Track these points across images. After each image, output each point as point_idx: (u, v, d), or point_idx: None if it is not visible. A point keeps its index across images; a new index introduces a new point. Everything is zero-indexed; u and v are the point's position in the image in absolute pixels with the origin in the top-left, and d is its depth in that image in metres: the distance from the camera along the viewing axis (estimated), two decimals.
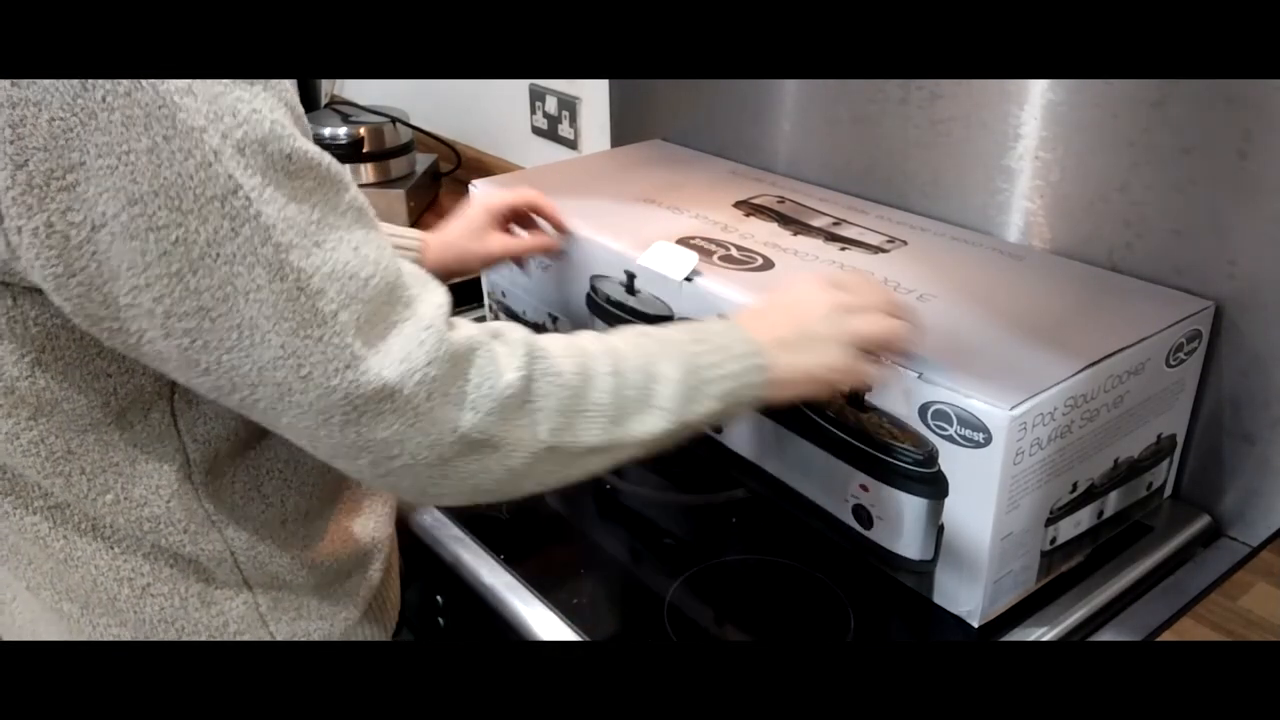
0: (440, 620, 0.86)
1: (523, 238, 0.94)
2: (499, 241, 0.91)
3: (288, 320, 0.47)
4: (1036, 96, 0.86)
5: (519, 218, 0.94)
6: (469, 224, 0.90)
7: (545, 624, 0.74)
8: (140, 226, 0.44)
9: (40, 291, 0.49)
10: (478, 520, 0.85)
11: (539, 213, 0.94)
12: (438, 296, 0.54)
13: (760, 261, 0.85)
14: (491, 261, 0.92)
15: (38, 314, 0.50)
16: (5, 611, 0.65)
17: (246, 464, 0.61)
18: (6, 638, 0.66)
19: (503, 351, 0.54)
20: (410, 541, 0.84)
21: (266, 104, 0.46)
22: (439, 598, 0.85)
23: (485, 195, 0.98)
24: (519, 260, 0.99)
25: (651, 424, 0.59)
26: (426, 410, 0.50)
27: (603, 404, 0.57)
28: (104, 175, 0.43)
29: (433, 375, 0.50)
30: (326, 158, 0.49)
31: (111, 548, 0.58)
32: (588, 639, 0.72)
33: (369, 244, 0.50)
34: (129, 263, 0.45)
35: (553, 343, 0.58)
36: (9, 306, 0.49)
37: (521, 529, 0.85)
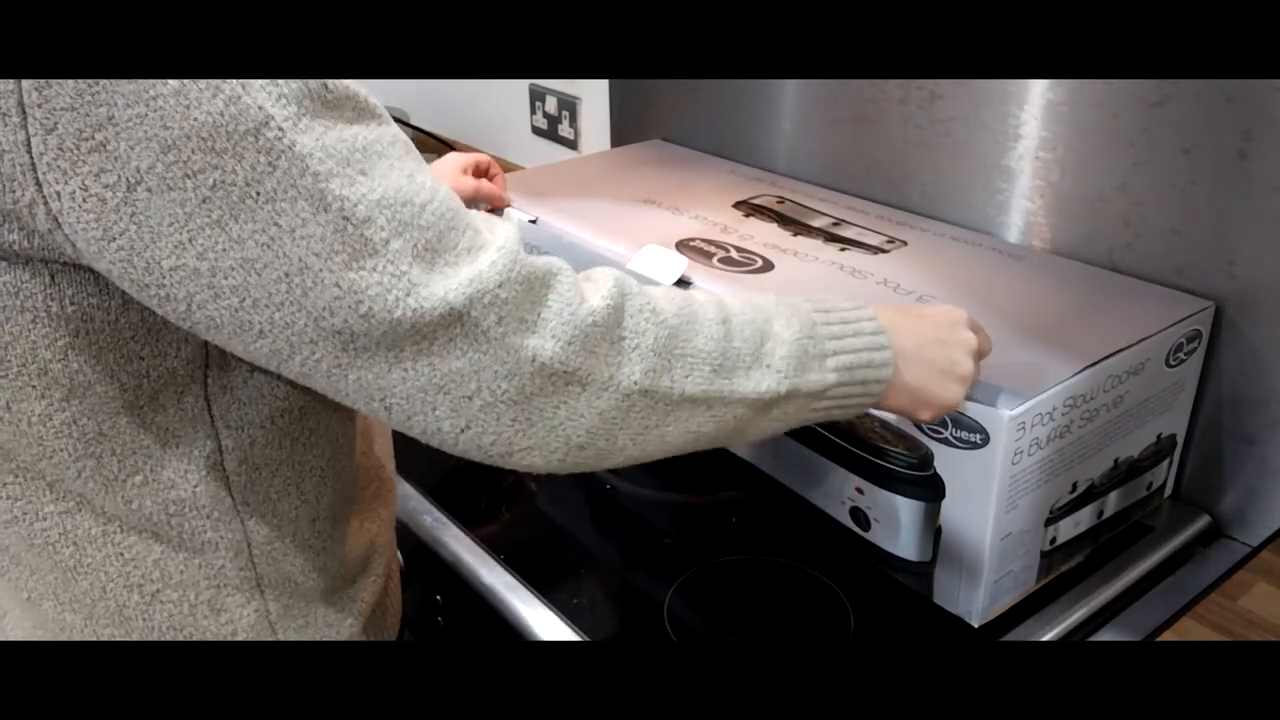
0: (440, 620, 0.86)
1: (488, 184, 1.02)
2: (472, 182, 0.99)
3: (339, 254, 0.45)
4: (1036, 96, 0.86)
5: (480, 174, 1.03)
6: (443, 163, 1.00)
7: (545, 624, 0.74)
8: (176, 175, 0.43)
9: (78, 270, 0.48)
10: (478, 520, 0.85)
11: (491, 177, 1.03)
12: (508, 228, 0.51)
13: (760, 263, 0.85)
14: (464, 194, 0.98)
15: (74, 293, 0.49)
16: None
17: (292, 459, 0.60)
18: None
19: (588, 285, 0.52)
20: (410, 541, 0.84)
21: (281, 76, 0.45)
22: (439, 598, 0.85)
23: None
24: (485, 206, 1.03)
25: (761, 382, 0.55)
26: (499, 336, 0.48)
27: (707, 350, 0.54)
28: (133, 126, 0.42)
29: (504, 298, 0.48)
30: (364, 90, 0.48)
31: (122, 552, 0.58)
32: (588, 639, 0.72)
33: (422, 173, 0.48)
34: (169, 218, 0.43)
35: (653, 289, 0.55)
36: (45, 285, 0.48)
37: (521, 529, 0.85)
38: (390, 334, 0.46)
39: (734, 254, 0.87)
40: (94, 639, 0.60)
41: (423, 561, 0.83)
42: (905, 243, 0.90)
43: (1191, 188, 0.78)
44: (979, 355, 0.63)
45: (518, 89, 1.50)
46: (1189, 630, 0.67)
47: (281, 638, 0.63)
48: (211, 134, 0.43)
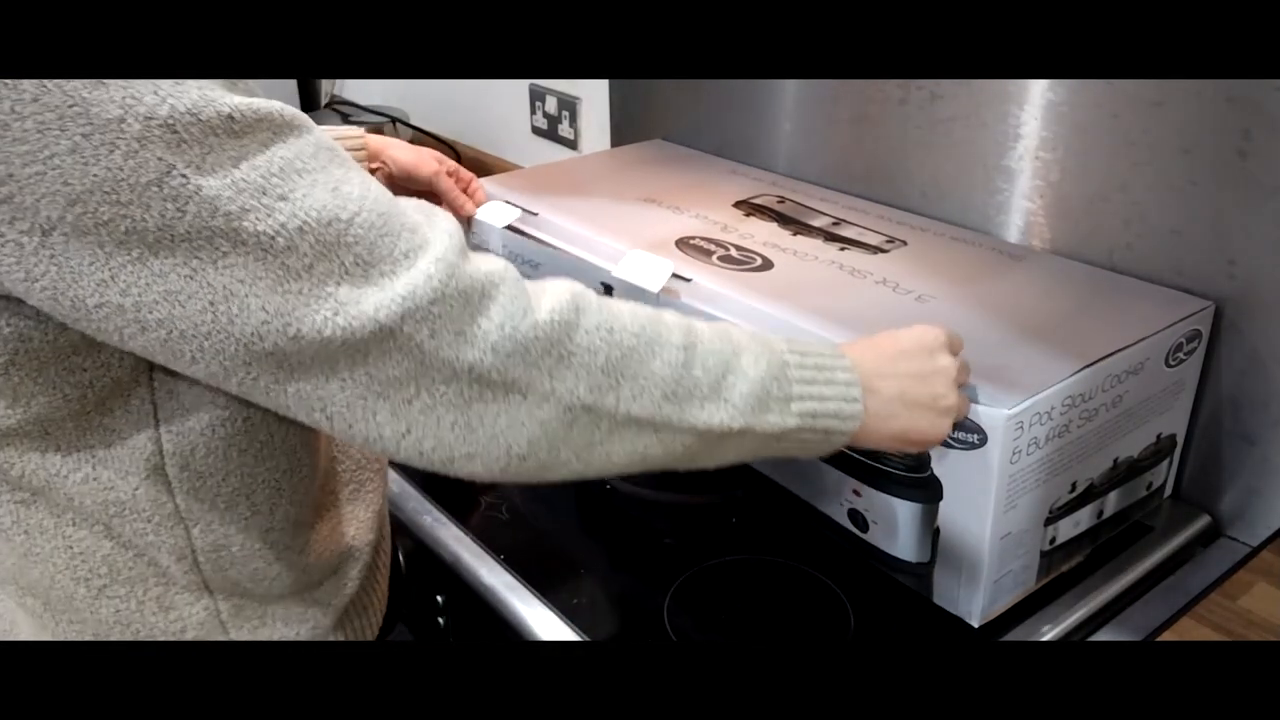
0: (440, 620, 0.86)
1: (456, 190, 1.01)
2: (445, 180, 0.99)
3: (262, 279, 0.45)
4: (1036, 96, 0.86)
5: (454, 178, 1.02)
6: (419, 154, 0.99)
7: (545, 624, 0.74)
8: (88, 223, 0.43)
9: (10, 299, 0.48)
10: (478, 520, 0.85)
11: (463, 186, 1.03)
12: (446, 224, 0.51)
13: (759, 262, 0.85)
14: (429, 189, 0.98)
15: (9, 318, 0.49)
16: None
17: (240, 469, 0.59)
18: None
19: (540, 294, 0.52)
20: (410, 541, 0.84)
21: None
22: (439, 598, 0.85)
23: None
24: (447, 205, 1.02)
25: (715, 415, 0.54)
26: (433, 349, 0.47)
27: (661, 376, 0.53)
28: (35, 182, 0.42)
29: (437, 313, 0.47)
30: (277, 105, 0.47)
31: (71, 545, 0.58)
32: (588, 639, 0.72)
33: (350, 181, 0.48)
34: (89, 258, 0.43)
35: (620, 304, 0.55)
36: None
37: (521, 529, 0.85)
38: (323, 351, 0.46)
39: (733, 252, 0.87)
40: (54, 624, 0.60)
41: (423, 561, 0.83)
42: (905, 242, 0.90)
43: (1191, 188, 0.78)
44: (960, 379, 0.63)
45: (518, 89, 1.50)
46: (1189, 630, 0.67)
47: (234, 636, 0.63)
48: (114, 188, 0.42)
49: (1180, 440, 0.82)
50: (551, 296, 0.52)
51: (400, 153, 0.98)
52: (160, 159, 0.43)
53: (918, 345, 0.62)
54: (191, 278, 0.44)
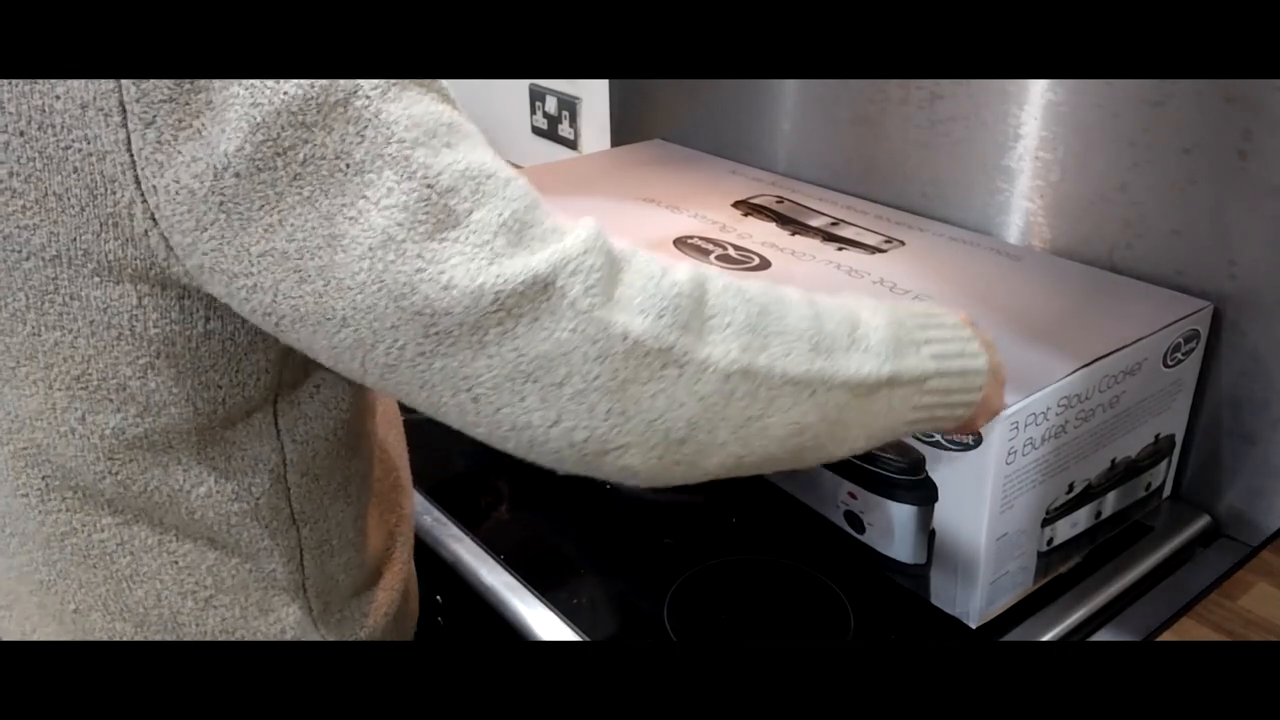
0: (440, 620, 0.86)
1: None
2: None
3: (423, 223, 0.44)
4: (1036, 96, 0.86)
5: None
6: None
7: (545, 624, 0.74)
8: (267, 154, 0.43)
9: (164, 295, 0.48)
10: (478, 520, 0.85)
11: None
12: (588, 219, 0.50)
13: (757, 261, 0.85)
14: None
15: (158, 318, 0.49)
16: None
17: (343, 465, 0.61)
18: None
19: (668, 261, 0.50)
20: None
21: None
22: (439, 598, 0.85)
23: None
24: None
25: (863, 364, 0.52)
26: (586, 309, 0.45)
27: (801, 329, 0.51)
28: (228, 107, 0.42)
29: (589, 265, 0.46)
30: (446, 83, 0.49)
31: (177, 560, 0.58)
32: (588, 639, 0.72)
33: (502, 161, 0.48)
34: (260, 200, 0.43)
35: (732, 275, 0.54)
36: (132, 305, 0.48)
37: (521, 529, 0.85)
38: (473, 308, 0.44)
39: (731, 251, 0.87)
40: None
41: (423, 561, 0.83)
42: (903, 242, 0.90)
43: (1191, 188, 0.78)
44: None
45: (518, 89, 1.50)
46: (1189, 630, 0.67)
47: (322, 633, 0.64)
48: (302, 108, 0.43)
49: (1179, 440, 0.82)
50: (677, 264, 0.50)
51: None
52: (349, 78, 0.44)
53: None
54: (356, 220, 0.44)
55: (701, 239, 0.90)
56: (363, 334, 0.46)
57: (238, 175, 0.43)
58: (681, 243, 0.88)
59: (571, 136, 1.42)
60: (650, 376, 0.47)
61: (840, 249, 0.88)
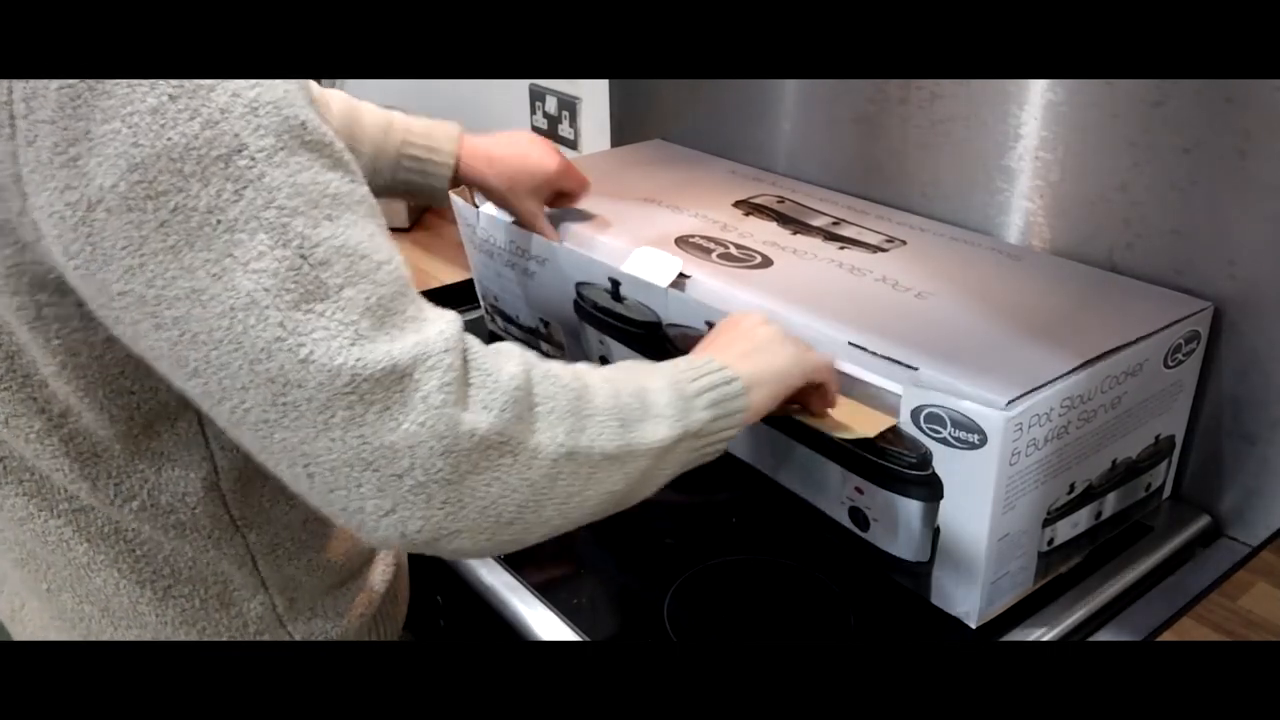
0: (440, 620, 0.86)
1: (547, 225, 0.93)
2: (536, 208, 0.91)
3: (289, 292, 0.44)
4: (1036, 96, 0.86)
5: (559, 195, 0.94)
6: (531, 148, 0.89)
7: (545, 624, 0.74)
8: (139, 195, 0.42)
9: (62, 305, 0.48)
10: None
11: (571, 200, 0.95)
12: (451, 313, 0.51)
13: (759, 260, 0.85)
14: (519, 217, 0.92)
15: (59, 328, 0.49)
16: (17, 619, 0.65)
17: None
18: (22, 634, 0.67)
19: (497, 356, 0.52)
20: None
21: (281, 76, 0.45)
22: (439, 598, 0.85)
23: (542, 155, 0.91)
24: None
25: (658, 430, 0.57)
26: (439, 405, 0.46)
27: (608, 408, 0.55)
28: (107, 141, 0.42)
29: (447, 363, 0.47)
30: (341, 143, 0.48)
31: (133, 550, 0.58)
32: (588, 639, 0.72)
33: (383, 237, 0.48)
34: (124, 240, 0.43)
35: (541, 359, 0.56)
36: (32, 317, 0.49)
37: None
38: (326, 387, 0.44)
39: (733, 250, 0.87)
40: (112, 629, 0.61)
41: (423, 561, 0.83)
42: (904, 242, 0.90)
43: (1191, 188, 0.78)
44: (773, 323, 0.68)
45: (518, 89, 1.50)
46: (1189, 630, 0.67)
47: (290, 629, 0.64)
48: (182, 155, 0.42)
49: (1179, 441, 0.82)
50: (507, 355, 0.52)
51: (507, 150, 0.88)
52: (236, 135, 0.43)
53: (723, 325, 0.69)
54: (219, 278, 0.44)
55: (703, 238, 0.90)
56: (211, 388, 0.46)
57: (108, 211, 0.43)
58: (683, 242, 0.88)
59: (571, 136, 1.42)
60: (488, 467, 0.48)
61: (842, 248, 0.88)
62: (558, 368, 0.55)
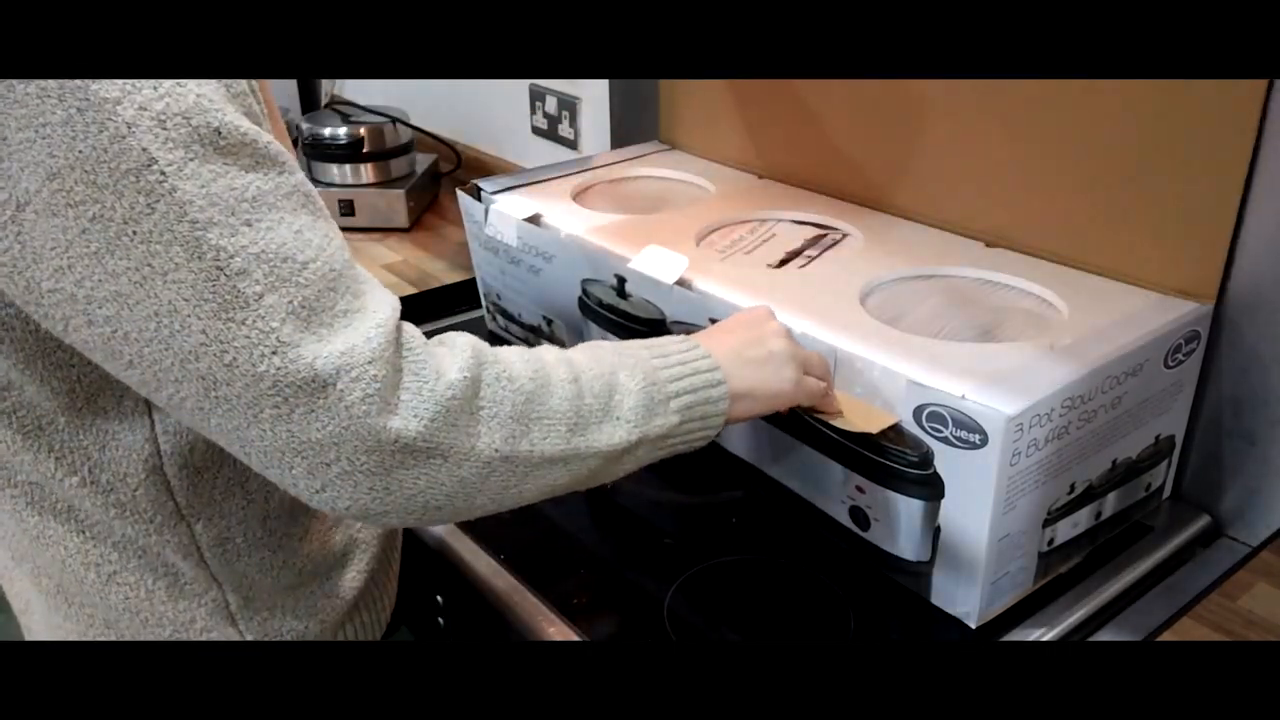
0: (440, 620, 0.86)
1: None
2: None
3: (208, 302, 0.45)
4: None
5: None
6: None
7: (545, 624, 0.74)
8: (60, 202, 0.43)
9: None
10: (477, 520, 0.85)
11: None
12: (390, 298, 0.52)
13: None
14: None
15: None
16: (6, 576, 0.66)
17: (231, 459, 0.59)
18: (11, 600, 0.67)
19: (444, 353, 0.52)
20: (410, 541, 0.84)
21: (194, 79, 0.45)
22: (439, 598, 0.85)
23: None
24: None
25: (614, 434, 0.57)
26: (361, 415, 0.47)
27: (561, 411, 0.55)
28: (24, 149, 0.42)
29: (371, 374, 0.47)
30: (266, 137, 0.47)
31: (81, 531, 0.58)
32: (588, 639, 0.72)
33: (314, 230, 0.48)
34: (51, 242, 0.44)
35: (507, 351, 0.56)
36: None
37: (521, 529, 0.85)
38: (252, 389, 0.46)
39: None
40: (67, 606, 0.61)
41: (423, 561, 0.83)
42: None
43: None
44: (790, 336, 0.67)
45: (518, 89, 1.50)
46: (1189, 630, 0.67)
47: (242, 627, 0.63)
48: (94, 167, 0.43)
49: (1179, 441, 0.82)
50: (456, 353, 0.52)
51: None
52: (144, 150, 0.43)
53: (746, 316, 0.68)
54: (141, 285, 0.44)
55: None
56: (147, 378, 0.47)
57: (36, 213, 0.43)
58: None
59: (571, 136, 1.42)
60: (415, 465, 0.49)
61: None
62: (517, 365, 0.54)
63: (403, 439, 0.48)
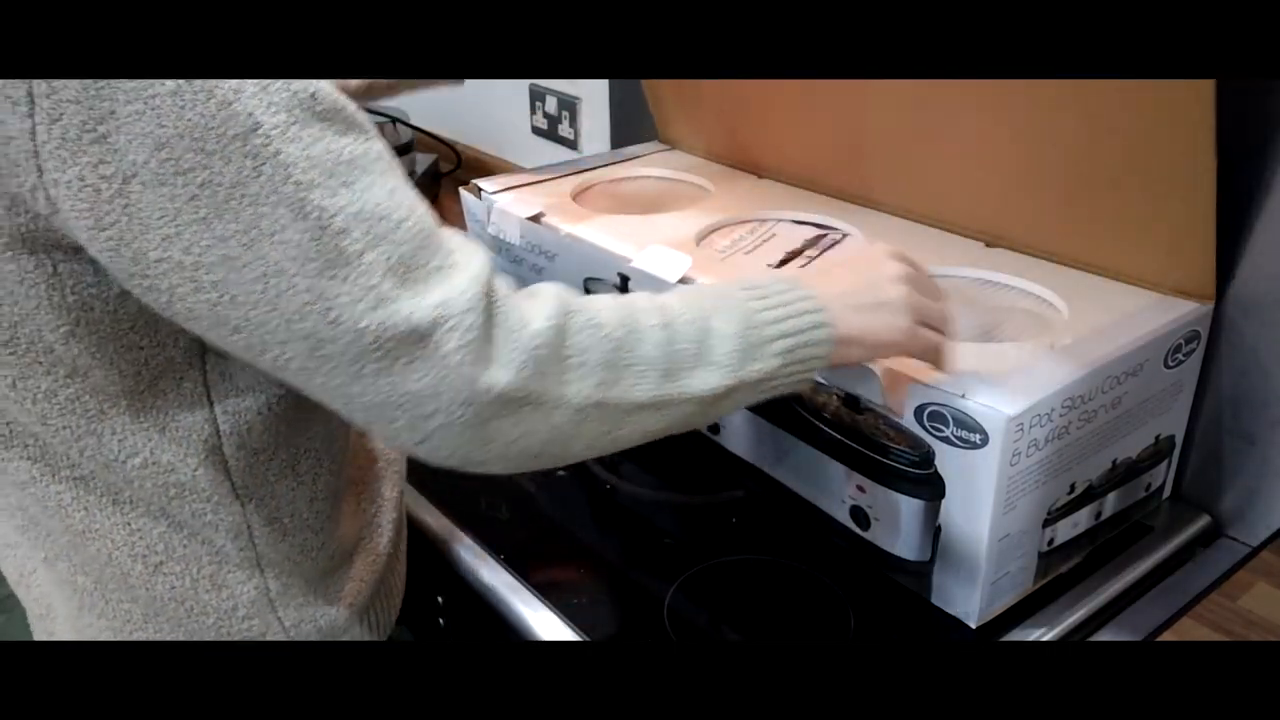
0: (440, 620, 0.86)
1: None
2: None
3: (313, 261, 0.46)
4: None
5: None
6: None
7: (545, 624, 0.74)
8: (169, 171, 0.44)
9: (79, 262, 0.49)
10: (478, 520, 0.85)
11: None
12: (482, 251, 0.53)
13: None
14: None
15: (74, 284, 0.51)
16: (24, 584, 0.66)
17: (286, 441, 0.61)
18: (28, 606, 0.67)
19: (531, 304, 0.53)
20: (411, 541, 0.84)
21: (281, 77, 0.46)
22: (439, 598, 0.85)
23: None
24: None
25: (708, 380, 0.56)
26: (457, 364, 0.49)
27: (652, 358, 0.55)
28: (132, 121, 0.43)
29: (467, 324, 0.49)
30: (352, 105, 0.49)
31: (129, 522, 0.59)
32: (588, 639, 0.72)
33: (404, 191, 0.50)
34: (159, 211, 0.45)
35: (596, 299, 0.56)
36: (48, 275, 0.50)
37: (521, 529, 0.85)
38: (354, 345, 0.48)
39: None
40: (104, 602, 0.61)
41: (423, 561, 0.83)
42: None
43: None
44: (922, 283, 0.64)
45: (518, 89, 1.50)
46: (1189, 630, 0.67)
47: (281, 615, 0.64)
48: (203, 135, 0.44)
49: (1179, 441, 0.82)
50: (542, 303, 0.53)
51: None
52: (250, 115, 0.45)
53: (864, 256, 0.65)
54: (249, 247, 0.46)
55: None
56: (253, 342, 0.49)
57: (143, 184, 0.44)
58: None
59: (571, 136, 1.42)
60: (510, 414, 0.51)
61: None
62: (605, 313, 0.55)
63: (495, 389, 0.50)
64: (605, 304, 0.56)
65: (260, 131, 0.45)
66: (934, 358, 0.65)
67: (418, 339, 0.48)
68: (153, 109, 0.43)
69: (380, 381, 0.49)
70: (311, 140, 0.46)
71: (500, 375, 0.50)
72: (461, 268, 0.50)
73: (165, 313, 0.49)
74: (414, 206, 0.50)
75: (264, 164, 0.45)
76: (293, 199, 0.46)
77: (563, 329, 0.53)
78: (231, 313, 0.48)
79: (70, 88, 0.43)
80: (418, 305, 0.48)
